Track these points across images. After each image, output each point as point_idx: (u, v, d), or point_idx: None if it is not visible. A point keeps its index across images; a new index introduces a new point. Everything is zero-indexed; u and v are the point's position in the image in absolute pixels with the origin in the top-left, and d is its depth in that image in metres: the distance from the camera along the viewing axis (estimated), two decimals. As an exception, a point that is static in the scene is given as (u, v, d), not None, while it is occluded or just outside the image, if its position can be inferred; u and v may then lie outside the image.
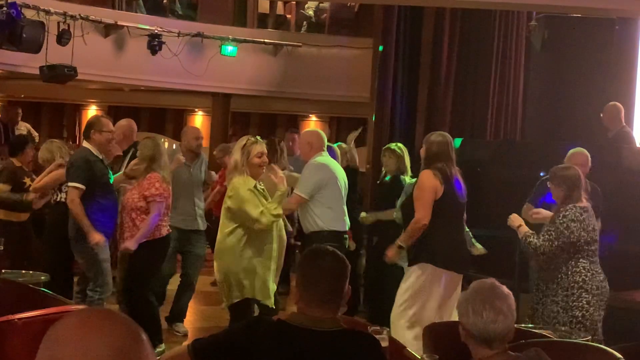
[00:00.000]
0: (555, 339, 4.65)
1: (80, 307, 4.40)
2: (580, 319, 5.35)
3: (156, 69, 12.91)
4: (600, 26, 9.96)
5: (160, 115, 18.05)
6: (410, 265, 5.85)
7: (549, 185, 5.65)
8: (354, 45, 13.58)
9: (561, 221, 5.37)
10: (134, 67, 12.97)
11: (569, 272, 5.41)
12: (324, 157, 6.69)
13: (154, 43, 12.43)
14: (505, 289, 2.96)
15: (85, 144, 6.44)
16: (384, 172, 7.99)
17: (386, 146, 7.95)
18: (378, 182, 8.42)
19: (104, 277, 6.32)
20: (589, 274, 5.37)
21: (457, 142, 8.05)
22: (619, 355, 3.67)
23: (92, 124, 6.49)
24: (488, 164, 8.93)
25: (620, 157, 8.32)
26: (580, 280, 5.37)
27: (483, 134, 10.87)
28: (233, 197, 5.65)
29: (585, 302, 5.35)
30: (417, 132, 10.79)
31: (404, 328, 5.69)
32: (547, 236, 5.39)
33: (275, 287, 6.00)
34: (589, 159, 6.47)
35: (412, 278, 5.76)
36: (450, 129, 10.74)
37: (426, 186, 5.72)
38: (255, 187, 5.68)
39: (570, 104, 10.12)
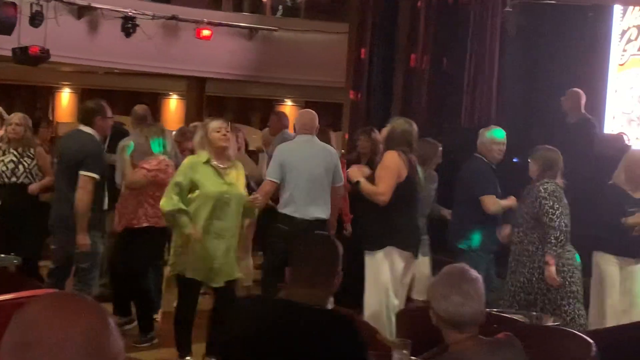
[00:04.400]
0: (527, 323, 4.70)
1: (51, 291, 4.35)
2: (545, 291, 5.54)
3: (130, 52, 12.82)
4: (573, 13, 10.02)
5: (135, 98, 17.76)
6: (371, 249, 5.77)
7: (529, 161, 5.88)
8: (330, 30, 13.56)
9: (538, 194, 5.60)
10: (108, 50, 12.87)
11: (542, 247, 5.59)
12: (294, 141, 6.60)
13: (128, 25, 12.34)
14: (474, 272, 2.98)
15: (86, 129, 6.11)
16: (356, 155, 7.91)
17: (361, 129, 7.94)
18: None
19: (98, 268, 6.29)
20: (572, 251, 5.59)
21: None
22: (590, 340, 3.71)
23: (96, 110, 6.18)
24: (462, 150, 8.96)
25: (591, 143, 8.42)
26: (567, 257, 5.57)
27: (457, 120, 10.90)
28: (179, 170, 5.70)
29: (577, 278, 5.59)
30: (393, 117, 10.79)
31: (381, 315, 5.67)
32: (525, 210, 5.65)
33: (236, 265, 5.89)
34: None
35: (377, 262, 5.72)
36: (425, 114, 10.79)
37: (391, 166, 5.68)
38: (208, 161, 5.56)
39: (544, 90, 10.18)
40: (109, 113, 6.26)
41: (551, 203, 5.57)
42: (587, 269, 6.18)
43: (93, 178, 5.93)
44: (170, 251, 5.78)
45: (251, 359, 2.89)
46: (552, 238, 5.51)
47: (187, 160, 5.70)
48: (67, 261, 6.13)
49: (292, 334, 2.89)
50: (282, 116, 8.93)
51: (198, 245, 5.52)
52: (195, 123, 8.31)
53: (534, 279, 5.60)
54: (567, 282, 5.57)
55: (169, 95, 18.13)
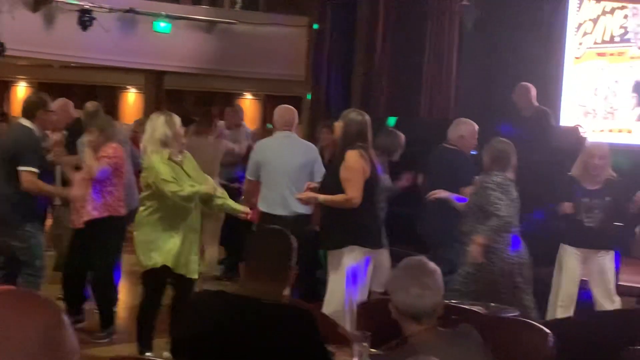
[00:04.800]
0: (485, 314, 4.73)
1: (4, 288, 4.28)
2: (489, 282, 5.66)
3: (87, 45, 12.67)
4: (530, 6, 10.12)
5: (92, 92, 17.71)
6: (336, 248, 5.73)
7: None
8: (289, 24, 13.53)
9: (485, 185, 5.71)
10: (64, 43, 12.70)
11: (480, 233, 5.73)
12: (272, 137, 6.66)
13: (85, 18, 12.18)
14: (432, 265, 3.00)
15: (26, 122, 6.06)
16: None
17: (323, 123, 7.94)
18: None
19: (42, 260, 6.22)
20: (505, 242, 5.66)
21: (392, 120, 8.08)
22: (546, 330, 3.75)
23: (38, 103, 6.16)
24: (422, 142, 9.00)
25: (545, 135, 8.51)
26: (498, 248, 5.67)
27: (417, 112, 10.95)
28: (148, 172, 5.65)
29: (497, 268, 5.67)
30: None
31: (342, 311, 5.67)
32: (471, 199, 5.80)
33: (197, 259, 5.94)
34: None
35: (343, 261, 5.71)
36: (385, 107, 10.83)
37: (356, 167, 5.59)
38: (170, 158, 5.60)
39: (502, 83, 10.26)
40: (52, 107, 6.27)
41: (498, 194, 5.65)
42: (553, 260, 6.31)
43: (33, 172, 5.85)
44: (139, 245, 5.74)
45: (207, 355, 2.88)
46: (493, 223, 5.62)
47: (159, 158, 5.61)
48: (12, 257, 6.11)
49: (248, 329, 2.88)
50: (239, 110, 8.92)
51: (172, 238, 5.57)
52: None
53: (483, 270, 5.69)
54: (515, 274, 5.68)
55: (127, 89, 17.97)
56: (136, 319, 5.80)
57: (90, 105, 7.72)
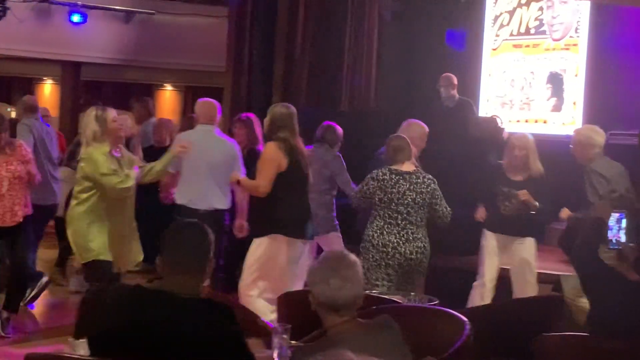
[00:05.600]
0: (405, 304, 4.79)
1: None
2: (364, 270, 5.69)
3: (1, 36, 12.32)
4: (448, -2, 10.28)
5: (7, 84, 17.34)
6: (256, 237, 5.89)
7: None
8: (209, 14, 13.42)
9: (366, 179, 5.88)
10: (-23, 34, 12.34)
11: (368, 225, 5.90)
12: (194, 130, 6.67)
13: (-2, 8, 11.84)
14: (353, 257, 3.02)
15: None
16: None
17: (237, 117, 7.86)
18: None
19: None
20: (378, 231, 5.77)
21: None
22: (464, 319, 3.81)
23: None
24: (344, 134, 9.04)
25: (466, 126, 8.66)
26: (370, 234, 5.82)
27: (338, 104, 10.98)
28: (86, 163, 5.65)
29: (370, 256, 5.78)
30: (274, 102, 10.73)
31: (255, 298, 5.73)
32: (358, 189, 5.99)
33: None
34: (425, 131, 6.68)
35: (261, 249, 5.81)
36: (306, 99, 10.83)
37: (269, 158, 5.78)
38: (110, 153, 5.68)
39: (421, 75, 10.37)
40: None
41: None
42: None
43: None
44: (75, 240, 5.75)
45: (124, 351, 2.84)
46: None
47: (96, 151, 5.64)
48: None
49: (164, 324, 2.86)
50: (149, 103, 8.77)
51: (108, 230, 5.66)
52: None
53: None
54: (383, 264, 5.78)
55: (43, 80, 17.58)
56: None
57: (28, 99, 7.68)
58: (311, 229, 6.03)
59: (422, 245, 5.78)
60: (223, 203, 6.42)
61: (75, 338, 3.33)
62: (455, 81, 8.89)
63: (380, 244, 5.74)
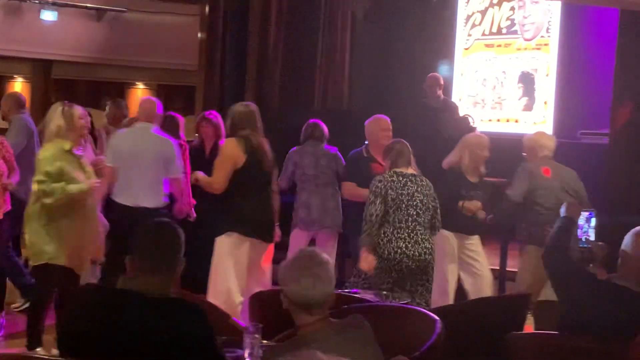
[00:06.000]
0: (377, 303, 4.80)
1: None
2: (368, 276, 5.61)
3: (-30, 33, 12.22)
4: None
5: (-23, 82, 17.13)
6: (216, 235, 5.83)
7: None
8: (182, 12, 13.35)
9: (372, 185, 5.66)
10: (-55, 31, 12.22)
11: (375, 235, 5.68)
12: (131, 128, 6.60)
13: (-33, 5, 11.74)
14: (324, 256, 3.01)
15: None
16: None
17: (201, 115, 7.76)
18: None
19: None
20: (386, 239, 5.54)
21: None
22: (435, 317, 3.83)
23: None
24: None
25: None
26: (376, 243, 5.54)
27: (311, 103, 10.98)
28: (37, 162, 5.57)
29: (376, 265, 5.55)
30: (246, 100, 10.74)
31: (227, 300, 5.67)
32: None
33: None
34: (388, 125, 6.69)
35: (220, 247, 5.77)
36: (279, 98, 10.82)
37: (226, 155, 5.76)
38: (70, 151, 5.54)
39: (394, 73, 10.41)
40: None
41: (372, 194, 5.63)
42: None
43: None
44: (29, 241, 5.64)
45: (93, 351, 2.83)
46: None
47: (51, 148, 5.53)
48: None
49: (133, 324, 2.84)
50: (122, 104, 8.69)
51: (64, 232, 5.51)
52: None
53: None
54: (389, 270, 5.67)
55: (14, 78, 17.39)
56: (27, 315, 5.69)
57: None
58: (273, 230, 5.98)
59: (429, 247, 5.62)
60: (153, 202, 6.23)
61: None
62: (442, 81, 8.87)
63: (386, 252, 5.52)
